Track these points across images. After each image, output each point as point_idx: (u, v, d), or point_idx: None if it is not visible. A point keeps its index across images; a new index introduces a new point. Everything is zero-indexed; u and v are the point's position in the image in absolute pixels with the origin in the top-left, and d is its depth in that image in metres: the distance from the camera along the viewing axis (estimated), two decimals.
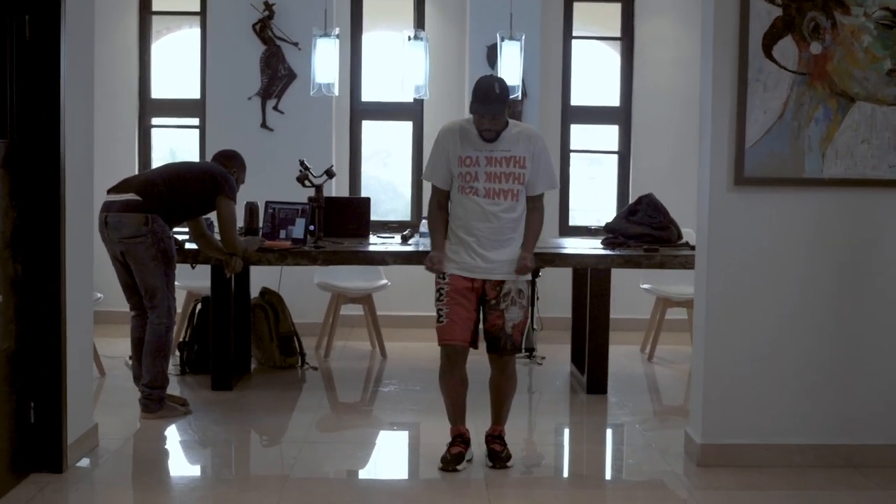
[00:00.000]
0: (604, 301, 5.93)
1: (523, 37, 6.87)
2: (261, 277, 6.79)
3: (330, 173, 6.27)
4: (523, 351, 6.49)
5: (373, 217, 6.65)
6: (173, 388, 5.68)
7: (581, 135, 8.47)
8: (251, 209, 6.29)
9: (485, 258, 4.39)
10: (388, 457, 5.05)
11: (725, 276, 4.52)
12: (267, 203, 6.23)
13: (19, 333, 4.15)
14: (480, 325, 4.50)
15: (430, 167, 4.55)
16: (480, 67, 7.45)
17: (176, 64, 8.44)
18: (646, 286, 7.21)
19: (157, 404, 5.26)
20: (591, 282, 5.93)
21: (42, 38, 4.14)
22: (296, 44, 7.74)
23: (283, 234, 6.09)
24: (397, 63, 7.39)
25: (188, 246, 5.73)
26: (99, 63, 4.73)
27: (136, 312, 5.37)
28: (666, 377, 6.68)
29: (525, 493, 4.33)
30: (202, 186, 5.35)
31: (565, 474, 4.80)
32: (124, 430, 5.05)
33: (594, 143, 8.58)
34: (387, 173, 8.69)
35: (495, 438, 4.58)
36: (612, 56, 8.50)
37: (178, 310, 5.94)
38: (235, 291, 6.03)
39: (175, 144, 8.56)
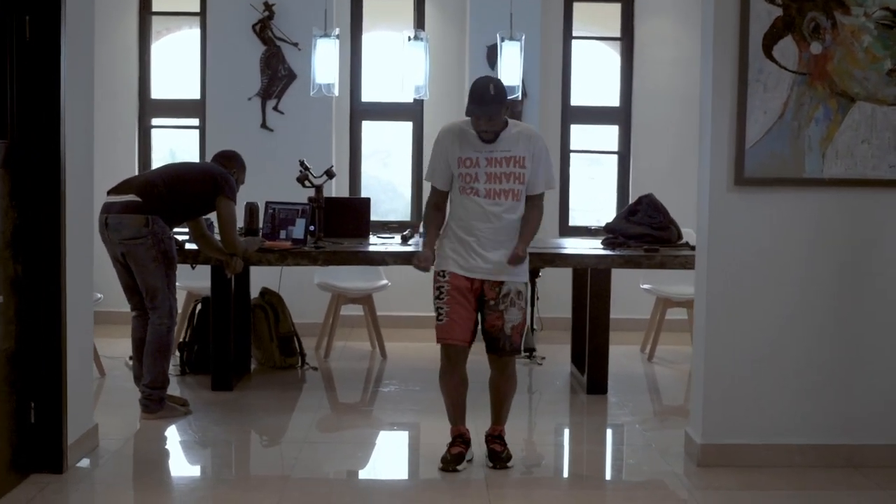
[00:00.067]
0: (604, 301, 5.93)
1: (523, 37, 6.87)
2: (261, 278, 6.79)
3: (330, 174, 6.27)
4: (523, 352, 6.48)
5: (372, 217, 6.65)
6: (173, 389, 5.68)
7: (581, 135, 8.47)
8: (251, 209, 6.30)
9: (485, 258, 4.39)
10: (389, 457, 5.05)
11: (726, 276, 4.52)
12: (267, 203, 6.23)
13: (19, 333, 4.15)
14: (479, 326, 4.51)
15: (431, 168, 4.56)
16: (480, 68, 7.46)
17: (176, 64, 8.43)
18: (646, 286, 7.21)
19: (157, 404, 5.26)
20: (591, 282, 5.93)
21: (42, 38, 4.14)
22: (296, 44, 7.75)
23: (283, 234, 6.09)
24: (397, 63, 7.39)
25: (188, 246, 5.73)
26: (99, 63, 4.73)
27: (137, 313, 5.38)
28: (666, 377, 6.69)
29: (525, 494, 4.33)
30: (202, 187, 5.35)
31: (565, 474, 4.80)
32: (124, 431, 5.05)
33: (594, 144, 8.58)
34: (386, 173, 8.69)
35: (495, 438, 4.58)
36: (611, 56, 8.50)
37: (179, 310, 5.94)
38: (235, 292, 6.03)
39: (175, 145, 8.56)
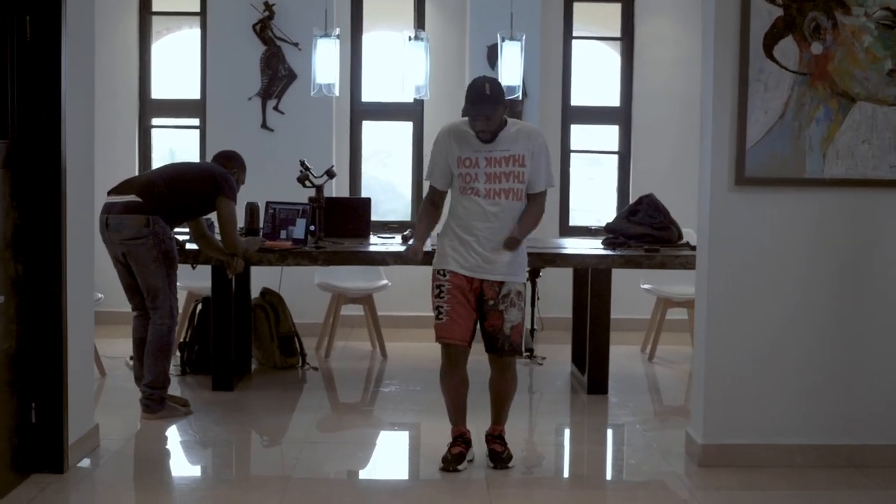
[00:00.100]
0: (604, 301, 5.93)
1: (524, 37, 6.87)
2: (261, 278, 6.79)
3: (330, 174, 6.26)
4: (523, 353, 6.48)
5: (372, 217, 6.65)
6: (174, 389, 5.68)
7: (581, 135, 8.47)
8: (252, 209, 6.30)
9: (485, 258, 4.39)
10: (389, 457, 5.05)
11: (726, 276, 4.52)
12: (267, 203, 6.23)
13: (20, 334, 4.15)
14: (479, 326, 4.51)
15: (430, 167, 4.57)
16: (481, 68, 7.46)
17: (176, 64, 8.43)
18: (646, 286, 7.21)
19: (158, 405, 5.26)
20: (591, 282, 5.93)
21: (43, 38, 4.14)
22: (296, 44, 7.74)
23: (283, 234, 6.09)
24: (397, 63, 7.38)
25: (189, 246, 5.72)
26: (99, 63, 4.73)
27: (138, 313, 5.38)
28: (666, 377, 6.68)
29: (526, 494, 4.32)
30: (202, 187, 5.35)
31: (566, 475, 4.80)
32: (125, 431, 5.05)
33: (594, 144, 8.58)
34: (386, 173, 8.69)
35: (495, 438, 4.58)
36: (612, 56, 8.50)
37: (179, 310, 5.94)
38: (236, 292, 6.03)
39: (175, 145, 8.56)
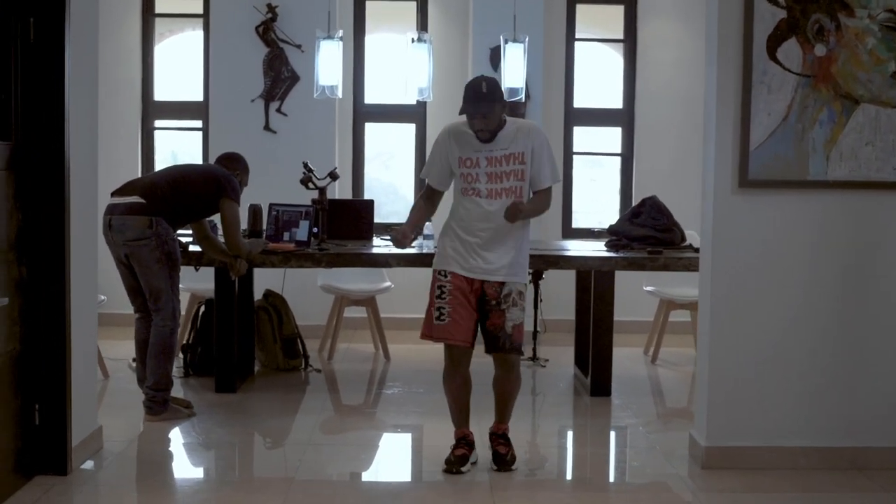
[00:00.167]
0: (607, 303, 5.92)
1: (526, 39, 6.87)
2: (264, 280, 6.80)
3: (333, 175, 6.26)
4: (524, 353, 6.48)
5: (375, 219, 6.65)
6: (177, 391, 5.68)
7: (584, 137, 8.47)
8: (255, 211, 6.29)
9: (485, 259, 4.39)
10: (392, 459, 5.05)
11: (729, 278, 4.52)
12: (270, 205, 6.23)
13: (24, 335, 4.15)
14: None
15: (427, 166, 4.59)
16: (483, 70, 7.44)
17: (179, 66, 8.44)
18: (649, 288, 7.21)
19: (161, 406, 5.26)
20: (594, 284, 5.93)
21: (46, 40, 4.15)
22: (299, 46, 7.75)
23: (286, 236, 6.09)
24: (400, 65, 7.39)
25: (192, 248, 5.73)
26: (101, 65, 4.73)
27: (140, 314, 5.38)
28: (669, 379, 6.68)
29: (529, 496, 4.32)
30: (205, 188, 5.35)
31: (569, 477, 4.80)
32: (128, 433, 5.05)
33: (597, 146, 8.58)
34: (388, 175, 8.69)
35: (499, 438, 4.57)
36: (614, 58, 8.49)
37: (182, 312, 5.95)
38: (239, 294, 6.04)
39: (177, 147, 8.56)
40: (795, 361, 4.55)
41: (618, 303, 6.00)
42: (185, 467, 4.83)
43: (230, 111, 7.81)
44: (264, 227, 6.21)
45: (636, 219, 6.26)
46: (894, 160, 4.47)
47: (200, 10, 8.19)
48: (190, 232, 5.69)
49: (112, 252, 5.24)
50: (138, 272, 5.19)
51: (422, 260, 5.63)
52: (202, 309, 6.45)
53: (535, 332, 6.92)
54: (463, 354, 4.46)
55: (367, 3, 8.29)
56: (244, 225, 6.02)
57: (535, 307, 6.97)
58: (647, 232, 6.14)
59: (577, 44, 8.39)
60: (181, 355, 6.40)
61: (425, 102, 7.70)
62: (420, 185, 8.22)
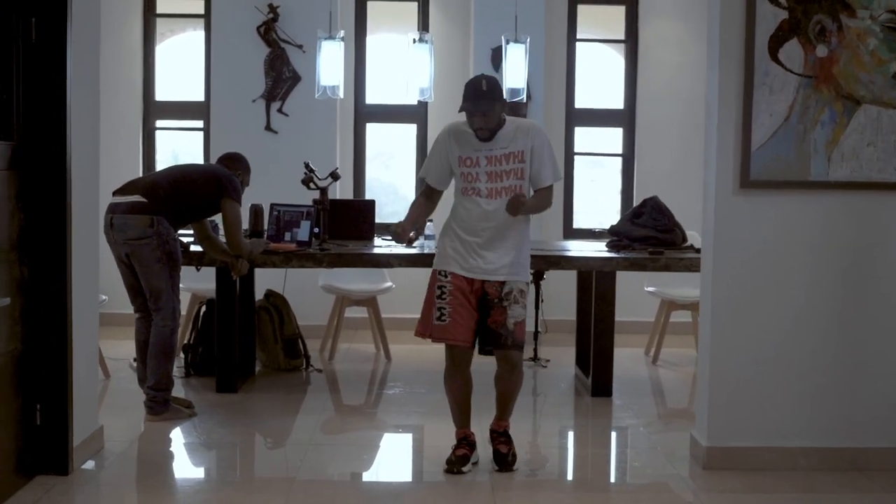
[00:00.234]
0: (608, 304, 5.92)
1: (528, 39, 6.87)
2: (265, 280, 6.80)
3: (335, 176, 6.27)
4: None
5: (376, 219, 6.65)
6: (178, 391, 5.68)
7: (585, 137, 8.47)
8: (256, 211, 6.30)
9: (486, 259, 4.39)
10: (393, 459, 5.05)
11: (731, 279, 4.52)
12: (272, 205, 6.23)
13: (25, 335, 4.15)
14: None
15: (426, 165, 4.60)
16: (485, 70, 7.42)
17: (180, 66, 8.44)
18: (650, 289, 7.21)
19: (162, 406, 5.26)
20: (595, 284, 5.93)
21: (48, 40, 4.15)
22: (300, 46, 7.75)
23: (287, 236, 6.09)
24: (402, 65, 7.39)
25: (193, 248, 5.73)
26: (103, 65, 4.73)
27: (140, 314, 5.38)
28: (670, 380, 6.68)
29: (530, 496, 4.32)
30: (207, 188, 5.35)
31: (570, 477, 4.80)
32: (129, 433, 5.05)
33: (598, 146, 8.58)
34: (388, 175, 8.69)
35: (500, 435, 4.57)
36: (616, 58, 8.50)
37: (183, 312, 5.95)
38: (240, 294, 6.04)
39: (178, 147, 8.56)
40: (796, 362, 4.55)
41: (619, 303, 6.00)
42: (186, 467, 4.83)
43: (231, 111, 7.81)
44: (265, 227, 6.21)
45: (637, 219, 6.26)
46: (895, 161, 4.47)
47: (202, 11, 8.19)
48: (191, 232, 5.69)
49: (113, 251, 5.24)
50: (139, 271, 5.19)
51: (423, 260, 5.63)
52: (203, 309, 6.45)
53: (536, 333, 6.92)
54: (464, 355, 4.46)
55: (369, 3, 8.29)
56: (245, 225, 6.02)
57: (536, 307, 6.97)
58: (648, 232, 6.14)
59: (578, 44, 8.39)
60: (182, 355, 6.40)
61: (426, 103, 7.70)
62: (419, 185, 8.24)
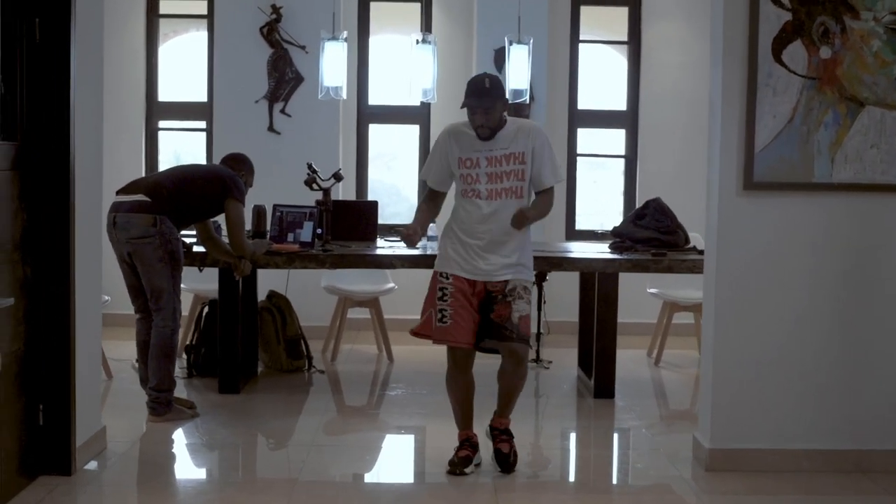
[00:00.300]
0: (611, 305, 5.92)
1: (531, 40, 6.87)
2: (268, 281, 6.79)
3: (338, 177, 6.27)
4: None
5: (378, 220, 6.65)
6: (180, 391, 5.68)
7: (588, 139, 8.47)
8: (259, 212, 6.30)
9: (486, 260, 4.39)
10: (395, 460, 5.05)
11: (733, 280, 4.51)
12: (275, 206, 6.23)
13: (28, 335, 4.15)
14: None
15: (427, 167, 4.60)
16: (488, 71, 7.40)
17: (183, 67, 8.44)
18: (653, 290, 7.20)
19: (164, 407, 5.26)
20: (598, 286, 5.92)
21: (52, 40, 4.15)
22: (303, 47, 7.75)
23: (290, 237, 6.09)
24: (405, 66, 7.39)
25: (196, 249, 5.73)
26: (106, 65, 4.73)
27: (141, 315, 5.37)
28: (673, 381, 6.67)
29: (532, 498, 4.32)
30: (210, 188, 5.35)
31: (572, 479, 4.80)
32: (132, 433, 5.06)
33: (601, 147, 8.58)
34: (390, 176, 8.69)
35: (502, 433, 4.55)
36: (619, 60, 8.49)
37: (185, 313, 5.95)
38: (243, 294, 6.04)
39: (181, 148, 8.56)
40: (799, 364, 4.54)
41: (621, 305, 6.00)
42: (188, 468, 4.83)
43: (234, 112, 7.81)
44: (268, 227, 6.21)
45: (640, 221, 6.26)
46: None
47: (205, 11, 8.20)
48: (194, 232, 5.69)
49: (115, 250, 5.24)
50: (140, 271, 5.19)
51: (426, 261, 5.62)
52: (206, 309, 6.45)
53: (538, 334, 6.91)
54: (465, 356, 4.46)
55: (372, 4, 8.29)
56: (248, 226, 6.02)
57: (539, 309, 6.97)
58: (650, 234, 6.14)
59: (581, 45, 8.38)
60: (185, 356, 6.41)
61: (429, 104, 7.69)
62: (422, 186, 8.25)
